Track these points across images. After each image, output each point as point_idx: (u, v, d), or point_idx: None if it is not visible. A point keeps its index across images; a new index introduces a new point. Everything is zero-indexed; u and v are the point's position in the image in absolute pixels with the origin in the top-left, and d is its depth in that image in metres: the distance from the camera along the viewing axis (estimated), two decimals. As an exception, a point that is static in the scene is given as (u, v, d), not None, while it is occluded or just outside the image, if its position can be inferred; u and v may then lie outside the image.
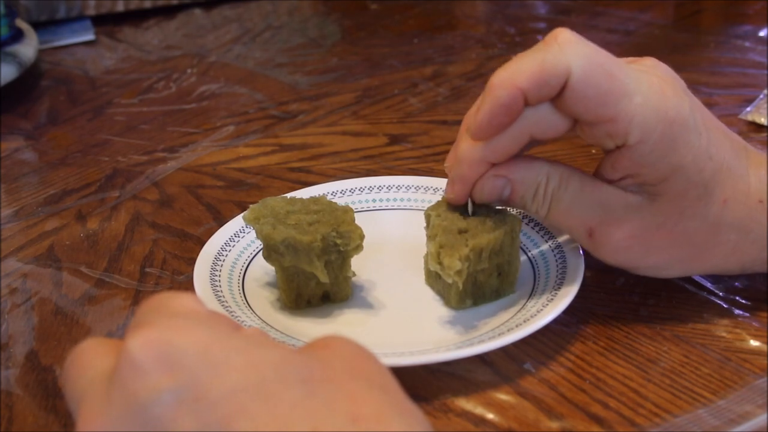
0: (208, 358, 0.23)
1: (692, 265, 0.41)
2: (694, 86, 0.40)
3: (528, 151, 0.43)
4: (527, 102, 0.37)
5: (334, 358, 0.26)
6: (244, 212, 0.45)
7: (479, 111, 0.37)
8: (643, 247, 0.40)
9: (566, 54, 0.35)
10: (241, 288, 0.46)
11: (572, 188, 0.40)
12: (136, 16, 1.10)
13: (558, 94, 0.36)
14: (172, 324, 0.24)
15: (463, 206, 0.43)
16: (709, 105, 0.45)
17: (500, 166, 0.40)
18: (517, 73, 0.36)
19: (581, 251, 0.44)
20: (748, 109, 0.67)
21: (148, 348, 0.23)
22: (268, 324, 0.42)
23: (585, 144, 0.39)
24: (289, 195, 0.48)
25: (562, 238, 0.46)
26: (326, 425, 0.23)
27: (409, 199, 0.54)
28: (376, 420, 0.23)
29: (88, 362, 0.26)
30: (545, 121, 0.38)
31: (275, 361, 0.24)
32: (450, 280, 0.41)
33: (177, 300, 0.26)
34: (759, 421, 0.36)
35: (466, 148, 0.40)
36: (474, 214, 0.43)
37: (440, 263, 0.40)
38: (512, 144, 0.39)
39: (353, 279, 0.45)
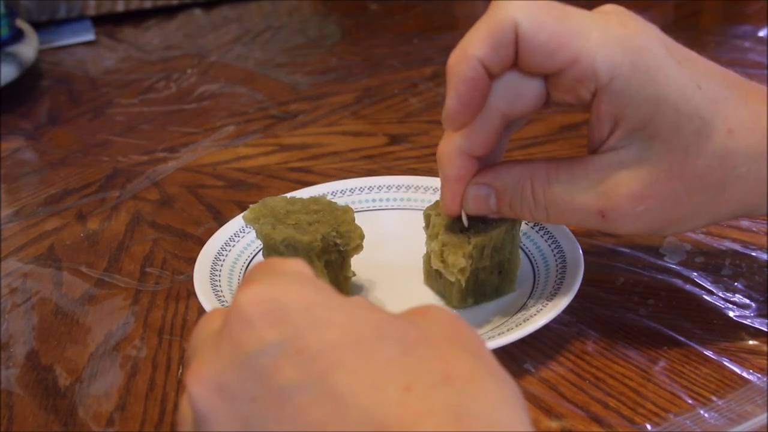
0: (310, 314, 0.25)
1: (717, 209, 0.38)
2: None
3: (513, 133, 0.42)
4: (491, 72, 0.35)
5: (431, 323, 0.26)
6: (244, 212, 0.45)
7: (446, 98, 0.36)
8: (660, 203, 0.36)
9: (509, 8, 0.35)
10: (241, 288, 0.46)
11: (563, 178, 0.37)
12: (136, 16, 1.10)
13: (516, 56, 0.35)
14: (280, 281, 0.26)
15: (459, 219, 0.41)
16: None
17: (480, 174, 0.39)
18: (468, 43, 0.35)
19: (581, 251, 0.44)
20: (748, 109, 0.66)
21: (256, 303, 0.25)
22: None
23: (584, 144, 0.39)
24: (289, 195, 0.48)
25: (562, 238, 0.46)
26: (420, 381, 0.23)
27: (409, 199, 0.54)
28: (468, 380, 0.24)
29: (202, 326, 0.27)
30: (512, 89, 0.36)
31: (375, 321, 0.25)
32: (453, 278, 0.41)
33: (285, 263, 0.28)
34: (759, 421, 0.36)
35: (441, 145, 0.38)
36: (470, 224, 0.42)
37: (443, 261, 0.40)
38: (486, 127, 0.37)
39: (353, 279, 0.45)
